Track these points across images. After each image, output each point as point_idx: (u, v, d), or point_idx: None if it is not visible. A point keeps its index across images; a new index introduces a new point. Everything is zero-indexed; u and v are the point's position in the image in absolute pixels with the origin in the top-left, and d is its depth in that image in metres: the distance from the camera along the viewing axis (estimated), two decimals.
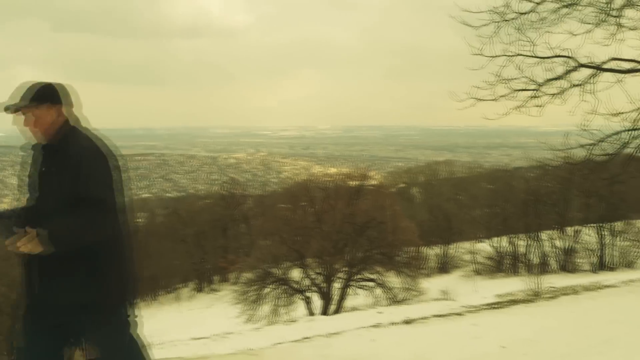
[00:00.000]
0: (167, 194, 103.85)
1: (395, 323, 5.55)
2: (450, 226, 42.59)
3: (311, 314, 22.20)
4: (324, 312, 22.58)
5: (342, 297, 23.92)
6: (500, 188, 42.48)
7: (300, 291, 23.81)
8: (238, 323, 19.58)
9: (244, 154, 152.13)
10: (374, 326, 5.56)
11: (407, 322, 5.52)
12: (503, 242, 37.18)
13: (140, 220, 51.58)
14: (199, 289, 40.03)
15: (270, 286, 23.75)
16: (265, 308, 22.85)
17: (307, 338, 5.56)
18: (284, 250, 24.71)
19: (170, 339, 8.48)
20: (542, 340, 3.98)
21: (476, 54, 10.67)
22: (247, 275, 25.52)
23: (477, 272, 36.32)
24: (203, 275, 40.98)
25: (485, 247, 39.25)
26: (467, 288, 26.83)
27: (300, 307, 23.49)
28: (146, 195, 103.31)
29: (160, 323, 26.92)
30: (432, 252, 42.02)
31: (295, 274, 24.75)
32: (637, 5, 10.35)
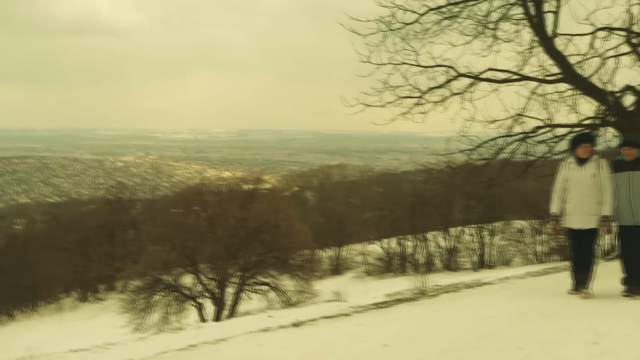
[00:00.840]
0: (48, 199, 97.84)
1: (284, 326, 5.54)
2: (342, 228, 43.53)
3: (203, 320, 21.74)
4: (217, 318, 22.19)
5: (236, 302, 23.64)
6: (389, 191, 44.20)
7: (192, 298, 23.24)
8: (124, 333, 18.74)
9: (133, 157, 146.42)
10: (263, 330, 5.52)
11: (296, 324, 5.54)
12: (392, 243, 38.63)
13: (17, 226, 48.19)
14: (83, 299, 37.94)
15: (160, 293, 22.97)
16: (155, 316, 22.05)
17: (193, 346, 5.41)
18: (175, 256, 24.02)
19: (48, 352, 7.95)
20: (423, 337, 4.14)
21: (364, 62, 10.97)
22: (136, 283, 24.51)
23: (368, 273, 37.44)
24: (87, 284, 38.89)
25: (376, 248, 40.55)
26: (358, 289, 27.49)
27: (192, 314, 22.92)
28: (24, 200, 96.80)
29: (39, 335, 25.23)
30: (326, 254, 42.76)
31: (187, 280, 24.13)
32: (512, 19, 11.11)
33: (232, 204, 26.91)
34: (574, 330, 4.19)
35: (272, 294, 24.10)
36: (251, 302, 23.96)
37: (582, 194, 6.33)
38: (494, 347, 3.86)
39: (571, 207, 6.42)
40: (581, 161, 6.45)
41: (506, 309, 5.34)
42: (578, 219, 6.35)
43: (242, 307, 23.36)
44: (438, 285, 12.31)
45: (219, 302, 23.34)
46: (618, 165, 6.34)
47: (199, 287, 23.67)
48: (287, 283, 24.79)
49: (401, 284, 20.11)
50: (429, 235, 37.35)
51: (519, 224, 35.51)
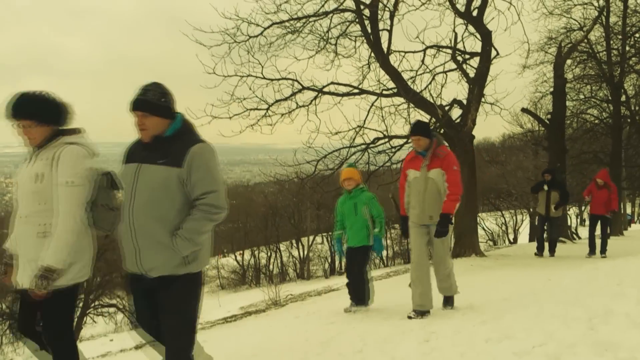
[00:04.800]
0: None
1: (125, 350, 5.26)
2: None
3: (43, 348, 20.12)
4: None
5: (79, 326, 22.17)
6: (242, 203, 44.11)
7: None
8: None
9: None
10: (102, 355, 5.20)
11: (139, 347, 5.28)
12: (246, 255, 38.64)
13: None
14: None
15: None
16: None
17: None
18: (8, 280, 22.01)
19: None
20: (266, 349, 4.16)
21: (210, 73, 10.91)
22: None
23: (222, 287, 37.02)
24: None
25: (229, 261, 40.29)
26: (212, 303, 27.03)
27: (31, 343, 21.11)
28: None
29: None
30: None
31: None
32: (351, 36, 11.71)
33: None
34: (407, 330, 4.45)
35: (119, 316, 22.96)
36: (96, 325, 22.64)
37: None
38: (335, 352, 3.97)
39: None
40: None
41: (348, 313, 5.54)
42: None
43: (87, 331, 21.94)
44: (291, 295, 12.49)
45: None
46: (130, 154, 3.34)
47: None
48: None
49: (256, 296, 20.17)
50: (282, 245, 37.89)
51: None
